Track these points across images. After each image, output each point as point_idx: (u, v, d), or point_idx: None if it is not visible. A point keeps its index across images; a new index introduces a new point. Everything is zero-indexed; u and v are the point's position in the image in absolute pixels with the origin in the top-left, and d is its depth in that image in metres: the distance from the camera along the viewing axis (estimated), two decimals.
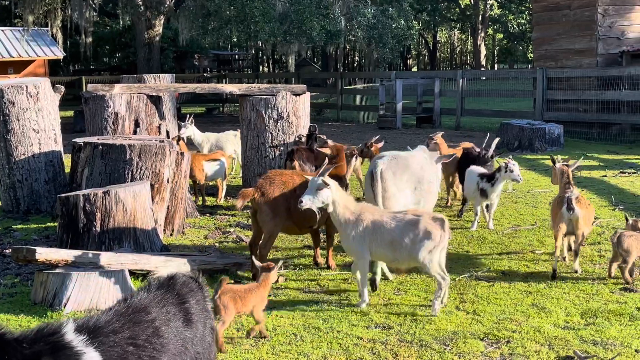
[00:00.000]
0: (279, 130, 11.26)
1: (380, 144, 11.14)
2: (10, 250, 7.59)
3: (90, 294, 6.00)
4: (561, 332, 5.41)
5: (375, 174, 6.88)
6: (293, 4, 22.61)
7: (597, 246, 7.94)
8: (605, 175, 12.53)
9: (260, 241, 6.79)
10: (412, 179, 7.08)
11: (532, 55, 67.07)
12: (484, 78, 27.69)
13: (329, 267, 7.17)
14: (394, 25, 25.21)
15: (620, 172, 12.89)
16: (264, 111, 11.23)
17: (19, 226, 9.11)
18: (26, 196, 9.79)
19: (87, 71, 45.63)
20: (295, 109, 11.37)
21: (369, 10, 24.57)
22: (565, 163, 7.55)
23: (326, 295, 6.36)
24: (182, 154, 8.52)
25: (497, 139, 9.96)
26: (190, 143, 12.99)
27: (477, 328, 5.54)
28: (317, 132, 10.41)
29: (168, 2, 27.58)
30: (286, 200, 6.71)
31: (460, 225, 9.13)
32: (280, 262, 5.98)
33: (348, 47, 42.89)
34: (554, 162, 7.65)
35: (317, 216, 6.62)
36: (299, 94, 11.50)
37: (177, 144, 10.83)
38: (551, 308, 5.92)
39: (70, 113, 24.35)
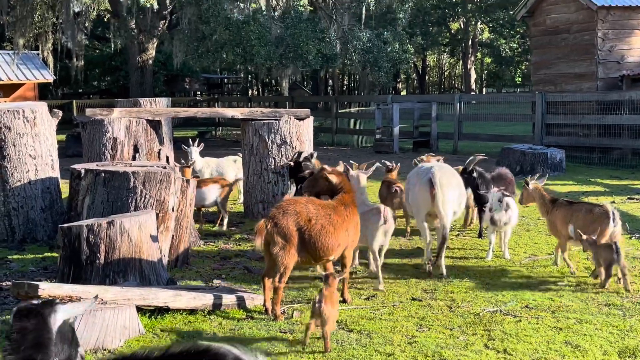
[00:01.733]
0: (282, 156, 10.96)
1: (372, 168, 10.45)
2: (7, 283, 7.22)
3: (96, 332, 5.63)
4: None
5: (435, 182, 7.65)
6: (289, 28, 22.44)
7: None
8: (614, 202, 12.26)
9: (275, 274, 6.44)
10: (457, 187, 7.97)
11: (520, 79, 67.72)
12: (474, 102, 27.49)
13: (344, 301, 6.82)
14: (389, 49, 25.05)
15: (629, 198, 12.64)
16: (267, 136, 10.94)
17: (15, 256, 8.72)
18: (22, 224, 9.40)
19: (76, 95, 45.30)
20: (299, 134, 11.08)
21: (364, 34, 24.43)
22: (533, 180, 8.36)
23: (346, 333, 6.01)
24: (187, 181, 8.18)
25: (479, 157, 9.80)
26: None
27: None
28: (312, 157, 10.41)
29: (161, 26, 27.36)
30: (301, 231, 6.37)
31: (475, 254, 8.81)
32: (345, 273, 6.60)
33: (338, 70, 42.79)
34: (527, 184, 8.35)
35: (338, 247, 6.35)
36: (302, 119, 11.23)
37: (184, 169, 10.56)
38: (586, 346, 5.59)
39: (61, 137, 23.95)
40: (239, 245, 9.43)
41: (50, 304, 3.29)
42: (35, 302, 3.33)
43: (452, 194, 7.84)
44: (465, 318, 6.34)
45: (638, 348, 5.54)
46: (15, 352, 3.13)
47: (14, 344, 3.15)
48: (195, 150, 12.58)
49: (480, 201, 9.41)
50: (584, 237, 7.23)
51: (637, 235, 9.57)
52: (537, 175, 8.87)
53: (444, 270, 7.78)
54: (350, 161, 9.84)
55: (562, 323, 6.16)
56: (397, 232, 10.10)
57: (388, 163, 10.60)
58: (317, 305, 5.54)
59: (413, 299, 6.91)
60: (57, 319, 3.24)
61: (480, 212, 9.55)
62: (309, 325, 5.64)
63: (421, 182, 7.86)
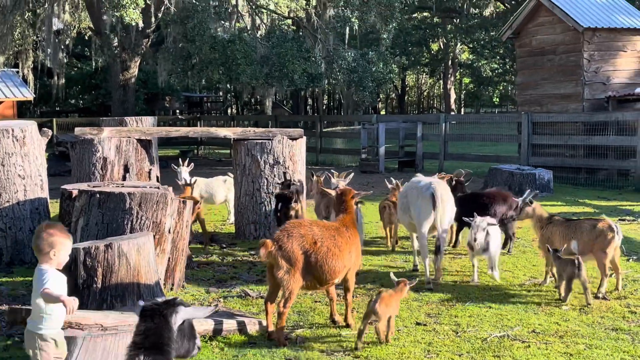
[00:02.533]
0: (274, 176, 10.83)
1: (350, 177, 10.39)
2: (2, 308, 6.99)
3: (97, 359, 5.42)
4: None
5: (436, 197, 8.27)
6: (274, 47, 22.38)
7: (624, 301, 7.56)
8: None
9: (278, 299, 6.28)
10: (450, 201, 8.58)
11: (497, 99, 68.12)
12: (454, 122, 27.53)
13: (348, 326, 6.66)
14: (373, 68, 25.07)
15: (620, 220, 12.61)
16: (260, 156, 10.81)
17: (4, 279, 8.48)
18: (9, 246, 9.15)
19: (55, 113, 44.90)
20: (292, 154, 10.97)
21: (349, 53, 24.43)
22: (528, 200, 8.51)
23: (352, 359, 5.85)
24: (184, 202, 8.00)
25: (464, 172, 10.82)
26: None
27: None
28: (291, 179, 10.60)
29: (145, 44, 27.19)
30: (306, 254, 6.22)
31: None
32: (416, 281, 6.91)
33: (318, 90, 42.87)
34: (531, 203, 8.49)
35: (343, 269, 6.24)
36: (295, 138, 11.10)
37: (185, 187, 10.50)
38: None
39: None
40: (234, 267, 9.24)
41: (172, 304, 3.58)
42: (158, 301, 3.64)
43: (449, 207, 8.52)
44: (472, 343, 6.21)
45: None
46: (139, 349, 3.43)
47: (139, 342, 3.47)
48: (185, 171, 12.54)
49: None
50: (552, 250, 7.70)
51: (634, 258, 9.52)
52: (533, 193, 8.85)
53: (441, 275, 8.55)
54: (332, 170, 11.03)
55: (572, 349, 6.05)
56: (392, 253, 9.99)
57: (394, 180, 10.71)
58: (372, 304, 6.05)
59: (417, 324, 6.77)
60: (177, 320, 3.57)
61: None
62: (361, 330, 6.10)
63: (423, 196, 8.40)
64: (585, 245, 7.77)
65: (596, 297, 7.58)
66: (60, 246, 4.64)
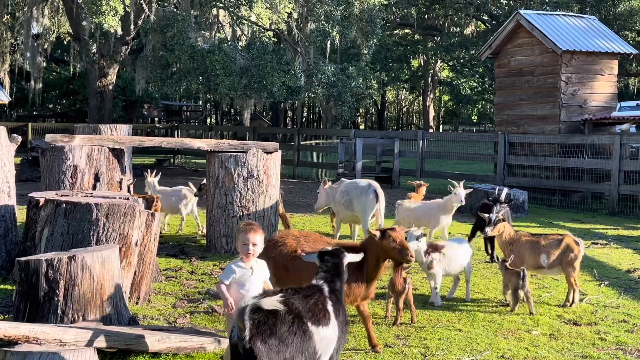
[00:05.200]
0: (248, 189, 10.70)
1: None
2: None
3: None
4: None
5: (379, 196, 11.01)
6: (254, 59, 22.25)
7: (594, 327, 7.50)
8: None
9: None
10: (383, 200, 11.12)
11: (476, 117, 68.56)
12: (432, 140, 27.53)
13: (374, 348, 6.48)
14: (353, 83, 25.02)
15: (593, 243, 12.63)
16: (234, 169, 10.67)
17: None
18: None
19: (32, 117, 44.47)
20: (266, 167, 10.85)
21: (329, 68, 24.37)
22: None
23: None
24: (152, 214, 7.84)
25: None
26: None
27: None
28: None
29: (124, 52, 26.98)
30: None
31: (444, 299, 8.59)
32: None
33: (297, 103, 42.86)
34: (506, 220, 8.82)
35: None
36: (270, 152, 10.99)
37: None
38: None
39: (16, 160, 23.30)
40: (202, 281, 9.08)
41: (342, 252, 5.25)
42: (334, 248, 5.36)
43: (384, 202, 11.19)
44: None
45: None
46: (330, 275, 4.98)
47: (329, 272, 5.04)
48: (154, 182, 12.77)
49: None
50: (500, 260, 8.28)
51: (606, 283, 9.49)
52: (504, 209, 9.49)
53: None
54: (325, 178, 13.42)
55: None
56: None
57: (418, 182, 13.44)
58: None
59: (386, 346, 6.66)
60: (345, 261, 5.22)
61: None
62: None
63: (367, 194, 11.07)
64: (554, 259, 8.24)
65: (563, 305, 8.27)
66: None
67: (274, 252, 6.57)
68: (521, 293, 7.86)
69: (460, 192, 11.11)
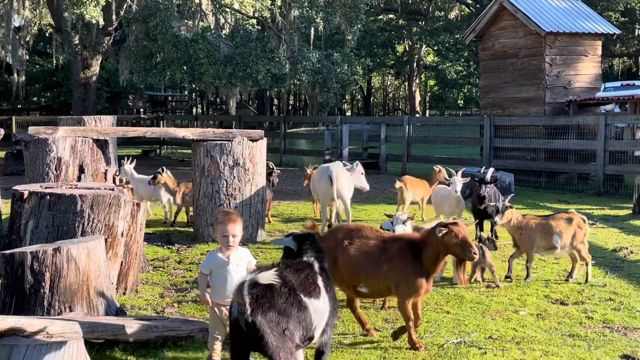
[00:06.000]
0: (234, 178, 10.67)
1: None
2: None
3: None
4: None
5: (334, 180, 11.18)
6: (238, 47, 22.16)
7: (581, 306, 7.55)
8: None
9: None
10: (344, 180, 11.43)
11: (462, 101, 68.65)
12: (418, 124, 27.55)
13: (414, 347, 6.16)
14: (338, 70, 24.98)
15: None
16: (219, 157, 10.64)
17: None
18: None
19: (15, 110, 44.14)
20: (252, 155, 10.82)
21: (314, 54, 24.31)
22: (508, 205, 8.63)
23: None
24: (138, 204, 7.81)
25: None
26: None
27: None
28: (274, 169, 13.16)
29: (106, 42, 26.79)
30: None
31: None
32: None
33: (283, 90, 42.76)
34: (511, 207, 8.65)
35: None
36: (256, 140, 10.96)
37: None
38: None
39: (0, 154, 23.20)
40: (190, 271, 9.07)
41: (310, 235, 5.31)
42: (305, 232, 5.39)
43: (344, 184, 11.37)
44: (429, 350, 6.14)
45: None
46: (319, 255, 5.09)
47: (317, 251, 5.12)
48: (131, 169, 13.01)
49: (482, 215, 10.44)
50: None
51: (592, 262, 9.53)
52: (509, 197, 9.23)
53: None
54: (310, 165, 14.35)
55: (529, 355, 6.00)
56: None
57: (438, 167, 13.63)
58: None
59: (375, 329, 6.67)
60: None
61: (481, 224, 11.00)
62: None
63: (324, 178, 11.31)
64: (566, 239, 8.41)
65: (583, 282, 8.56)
66: None
67: (326, 244, 6.31)
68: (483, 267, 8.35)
69: (455, 181, 10.88)
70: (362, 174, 12.62)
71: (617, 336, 6.55)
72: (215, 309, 5.51)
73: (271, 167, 13.38)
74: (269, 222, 12.83)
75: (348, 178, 11.72)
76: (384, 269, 6.04)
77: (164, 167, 12.44)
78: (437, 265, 6.03)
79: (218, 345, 5.59)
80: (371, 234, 6.32)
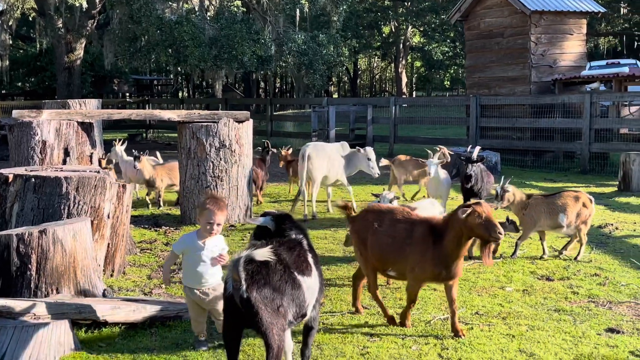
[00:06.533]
0: (221, 159, 10.65)
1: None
2: None
3: (28, 349, 5.25)
4: None
5: (305, 159, 11.26)
6: (223, 29, 22.03)
7: (567, 281, 7.61)
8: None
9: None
10: (321, 160, 11.43)
11: (448, 82, 68.66)
12: (405, 105, 27.53)
13: (403, 323, 6.16)
14: (324, 51, 24.90)
15: None
16: (205, 139, 10.61)
17: None
18: None
19: (0, 96, 43.77)
20: (238, 137, 10.80)
21: (300, 36, 24.21)
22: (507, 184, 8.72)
23: (295, 344, 5.75)
24: (124, 186, 7.79)
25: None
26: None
27: None
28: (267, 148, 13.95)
29: (90, 26, 26.58)
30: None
31: None
32: None
33: (270, 73, 42.61)
34: (508, 190, 8.65)
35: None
36: (242, 121, 10.93)
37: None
38: (541, 355, 5.49)
39: None
40: None
41: (288, 215, 5.26)
42: (281, 212, 5.30)
43: (319, 164, 11.41)
44: (416, 326, 6.18)
45: (593, 355, 5.46)
46: (303, 232, 5.09)
47: (300, 229, 5.12)
48: (122, 150, 12.92)
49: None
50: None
51: (577, 239, 9.59)
52: (509, 179, 9.20)
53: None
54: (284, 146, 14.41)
55: (515, 330, 6.05)
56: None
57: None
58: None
59: (363, 307, 6.71)
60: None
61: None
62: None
63: (300, 157, 11.48)
64: (572, 218, 8.46)
65: (575, 258, 8.60)
66: None
67: (357, 226, 6.36)
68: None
69: (431, 163, 10.58)
70: (369, 159, 11.85)
71: (602, 310, 6.61)
72: (188, 293, 5.54)
73: (267, 145, 14.00)
74: (260, 202, 12.87)
75: (329, 159, 11.60)
76: (406, 252, 5.92)
77: (141, 153, 12.30)
78: (461, 249, 5.75)
79: (199, 326, 5.60)
80: (401, 217, 6.13)
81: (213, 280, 5.45)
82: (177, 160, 12.64)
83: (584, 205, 8.50)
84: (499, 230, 5.53)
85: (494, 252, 8.65)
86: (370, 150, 11.97)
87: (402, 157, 13.37)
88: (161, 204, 12.47)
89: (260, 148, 14.13)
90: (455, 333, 5.89)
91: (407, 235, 5.94)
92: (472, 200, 6.01)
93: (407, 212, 6.23)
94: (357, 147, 12.08)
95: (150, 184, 12.30)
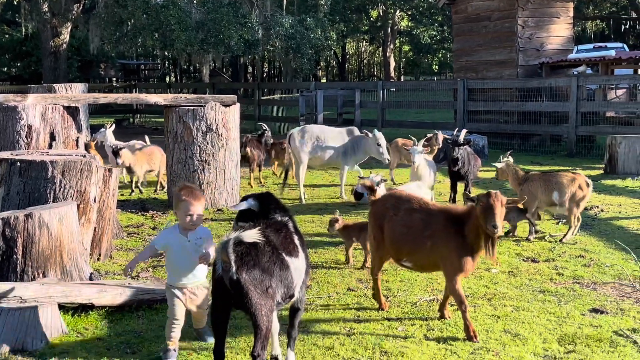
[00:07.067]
0: (208, 143, 10.63)
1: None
2: None
3: (15, 332, 5.25)
4: None
5: (289, 139, 11.71)
6: (210, 13, 21.92)
7: (552, 263, 7.67)
8: None
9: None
10: (311, 141, 11.59)
11: (436, 67, 68.60)
12: (392, 90, 27.55)
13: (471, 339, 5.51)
14: (311, 35, 24.83)
15: None
16: (192, 123, 10.58)
17: None
18: None
19: None
20: (225, 121, 10.78)
21: (287, 20, 24.13)
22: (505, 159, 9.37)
23: (282, 326, 5.78)
24: (110, 170, 7.77)
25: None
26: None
27: None
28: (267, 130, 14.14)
29: (76, 9, 26.38)
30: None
31: None
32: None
33: (257, 57, 42.48)
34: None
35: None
36: (228, 105, 10.91)
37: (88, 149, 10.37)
38: (525, 335, 5.54)
39: None
40: None
41: (269, 194, 5.15)
42: (263, 192, 5.22)
43: (302, 145, 11.58)
44: (402, 308, 6.22)
45: (577, 335, 5.51)
46: (288, 214, 5.01)
47: (284, 211, 5.00)
48: (110, 133, 12.85)
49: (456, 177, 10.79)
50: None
51: (563, 221, 9.66)
52: (508, 153, 9.73)
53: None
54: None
55: (500, 311, 6.10)
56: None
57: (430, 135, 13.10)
58: None
59: (349, 289, 6.75)
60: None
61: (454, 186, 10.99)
62: None
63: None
64: (566, 197, 8.54)
65: (560, 241, 8.63)
66: None
67: (375, 209, 6.19)
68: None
69: (414, 152, 10.28)
70: (379, 144, 11.41)
71: (586, 291, 6.66)
72: (176, 294, 5.15)
73: (264, 128, 14.14)
74: (251, 186, 12.91)
75: (316, 140, 11.62)
76: (427, 245, 5.62)
77: (120, 148, 11.97)
78: (479, 243, 5.41)
79: (177, 333, 5.13)
80: (418, 206, 5.85)
81: (202, 276, 5.18)
82: (156, 145, 12.65)
83: (579, 187, 8.57)
84: (493, 223, 5.16)
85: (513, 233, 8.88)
86: (379, 135, 11.50)
87: (400, 141, 13.26)
88: (141, 189, 12.43)
89: (259, 131, 14.30)
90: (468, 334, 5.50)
91: (425, 226, 5.65)
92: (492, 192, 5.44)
93: (425, 201, 5.97)
94: (364, 131, 11.72)
95: (130, 171, 12.23)
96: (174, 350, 5.08)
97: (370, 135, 11.53)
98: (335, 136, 11.87)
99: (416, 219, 5.74)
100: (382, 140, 11.49)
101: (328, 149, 11.76)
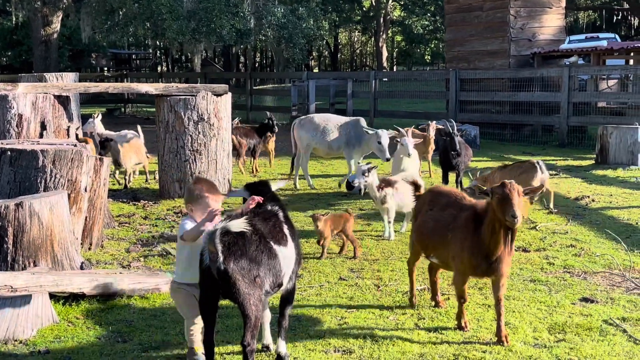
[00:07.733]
0: (199, 133, 10.60)
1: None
2: None
3: (6, 322, 5.24)
4: (534, 351, 5.04)
5: (293, 127, 12.00)
6: (201, 2, 21.84)
7: (543, 252, 7.70)
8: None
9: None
10: (312, 131, 11.76)
11: (429, 57, 68.60)
12: (385, 79, 27.49)
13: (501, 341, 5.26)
14: (303, 25, 24.78)
15: None
16: (183, 112, 10.55)
17: None
18: None
19: None
20: (216, 110, 10.75)
21: (279, 9, 24.06)
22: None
23: (273, 316, 5.78)
24: (101, 159, 7.75)
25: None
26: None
27: (444, 349, 5.11)
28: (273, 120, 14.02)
29: None
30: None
31: (397, 233, 8.70)
32: None
33: (250, 47, 42.36)
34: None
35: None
36: (220, 94, 10.88)
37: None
38: (516, 323, 5.56)
39: None
40: (156, 226, 9.06)
41: (267, 182, 5.17)
42: (260, 180, 5.37)
43: (301, 133, 11.85)
44: (393, 297, 6.24)
45: (567, 324, 5.54)
46: (279, 203, 4.96)
47: (276, 200, 4.98)
48: (99, 122, 12.64)
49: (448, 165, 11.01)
50: None
51: (555, 211, 9.70)
52: (486, 171, 10.04)
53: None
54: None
55: (491, 300, 6.09)
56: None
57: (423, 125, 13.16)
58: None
59: (340, 279, 6.76)
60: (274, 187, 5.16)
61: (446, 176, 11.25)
62: None
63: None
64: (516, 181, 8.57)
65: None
66: None
67: (417, 204, 6.12)
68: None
69: (406, 142, 10.12)
70: (380, 142, 10.90)
71: (577, 280, 6.69)
72: (190, 291, 4.79)
73: (269, 115, 14.16)
74: (242, 172, 13.05)
75: (316, 130, 11.69)
76: (448, 240, 5.43)
77: (109, 138, 11.79)
78: (497, 239, 5.04)
79: (198, 335, 4.83)
80: (454, 201, 5.60)
81: None
82: (141, 137, 12.57)
83: (526, 170, 9.25)
84: (512, 214, 4.81)
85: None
86: (383, 134, 10.96)
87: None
88: (130, 181, 12.33)
89: (264, 120, 14.20)
90: (499, 339, 5.20)
91: (451, 221, 5.43)
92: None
93: (463, 196, 5.70)
94: (365, 129, 11.29)
95: (117, 164, 12.08)
96: (202, 353, 4.65)
97: (370, 132, 11.14)
98: (340, 126, 11.73)
99: (446, 214, 5.53)
100: (385, 140, 10.93)
101: (332, 138, 11.69)
